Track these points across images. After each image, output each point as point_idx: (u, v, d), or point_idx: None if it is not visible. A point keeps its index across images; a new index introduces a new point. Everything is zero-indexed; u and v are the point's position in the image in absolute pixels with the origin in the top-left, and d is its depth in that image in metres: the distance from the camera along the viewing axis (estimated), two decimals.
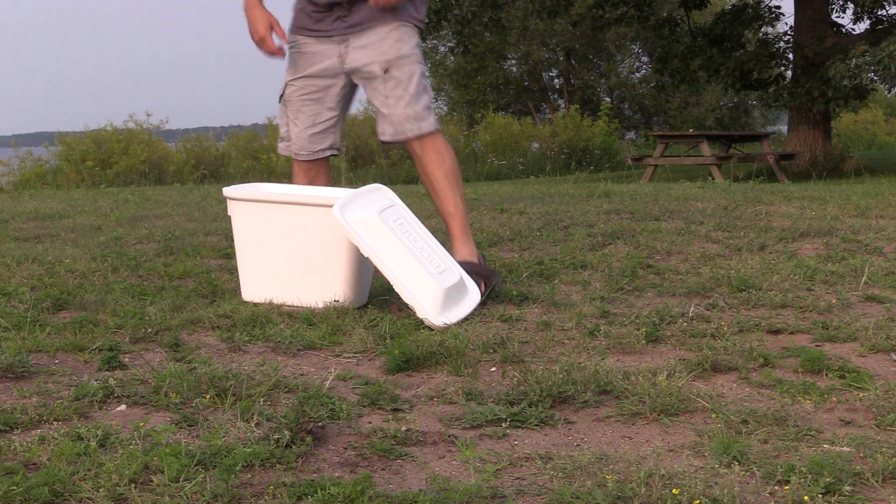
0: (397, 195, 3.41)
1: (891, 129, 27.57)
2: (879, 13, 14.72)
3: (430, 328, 3.00)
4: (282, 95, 3.64)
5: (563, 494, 1.75)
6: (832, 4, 15.24)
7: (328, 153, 3.65)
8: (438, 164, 3.49)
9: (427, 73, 3.61)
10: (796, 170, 13.56)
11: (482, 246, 4.42)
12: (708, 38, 15.15)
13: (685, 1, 15.55)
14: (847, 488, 1.76)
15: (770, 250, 4.46)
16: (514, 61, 30.24)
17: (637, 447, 2.05)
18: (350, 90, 3.64)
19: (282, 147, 3.69)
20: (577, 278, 3.80)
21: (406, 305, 3.08)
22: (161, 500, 1.70)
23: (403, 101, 3.43)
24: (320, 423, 2.08)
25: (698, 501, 1.69)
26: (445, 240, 3.52)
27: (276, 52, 3.49)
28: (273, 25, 3.49)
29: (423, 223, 3.37)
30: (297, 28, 3.58)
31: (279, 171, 14.07)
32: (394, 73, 3.43)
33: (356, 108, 18.57)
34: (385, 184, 3.60)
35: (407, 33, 3.45)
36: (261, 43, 3.49)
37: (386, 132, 3.52)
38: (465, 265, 3.37)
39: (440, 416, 2.24)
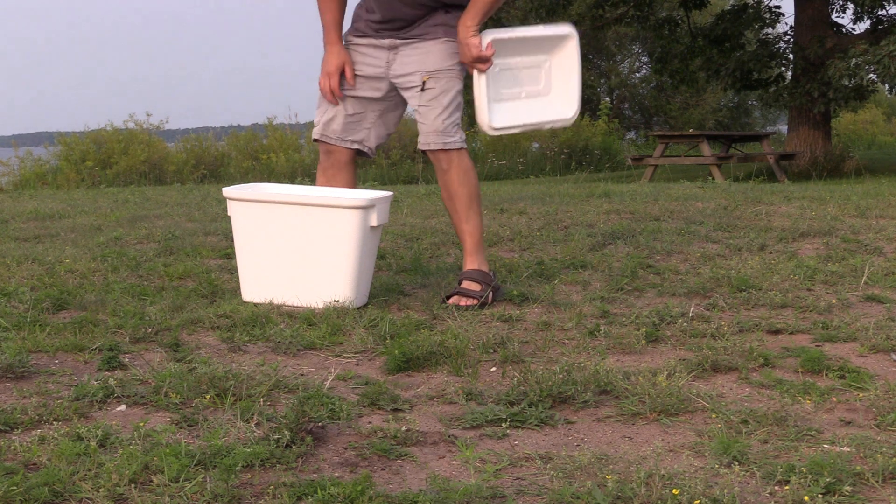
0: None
1: (891, 129, 27.54)
2: (879, 13, 14.72)
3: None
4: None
5: (563, 494, 1.75)
6: (832, 4, 15.23)
7: (356, 146, 3.58)
8: (462, 182, 3.49)
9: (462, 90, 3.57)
10: (796, 170, 13.56)
11: None
12: (708, 39, 15.14)
13: (685, 1, 15.54)
14: (847, 488, 1.76)
15: (770, 250, 4.46)
16: None
17: (637, 447, 2.05)
18: (392, 101, 3.60)
19: (315, 132, 3.65)
20: (577, 278, 3.80)
21: (406, 305, 3.07)
22: (161, 500, 1.70)
23: (435, 113, 3.45)
24: (320, 423, 2.08)
25: (698, 501, 1.69)
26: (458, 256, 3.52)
27: (328, 96, 3.45)
28: (345, 66, 3.47)
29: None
30: (353, 29, 3.58)
31: (279, 172, 14.04)
32: (430, 85, 3.44)
33: None
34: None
35: (453, 48, 3.46)
36: (325, 77, 3.46)
37: (420, 140, 3.54)
38: (475, 272, 3.42)
39: (440, 416, 2.24)
